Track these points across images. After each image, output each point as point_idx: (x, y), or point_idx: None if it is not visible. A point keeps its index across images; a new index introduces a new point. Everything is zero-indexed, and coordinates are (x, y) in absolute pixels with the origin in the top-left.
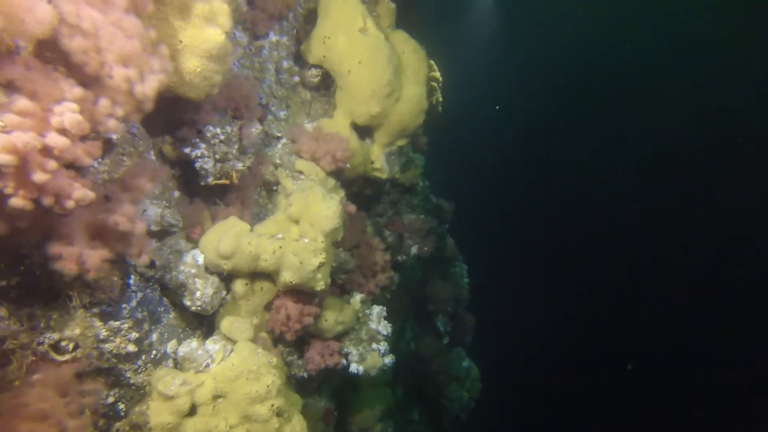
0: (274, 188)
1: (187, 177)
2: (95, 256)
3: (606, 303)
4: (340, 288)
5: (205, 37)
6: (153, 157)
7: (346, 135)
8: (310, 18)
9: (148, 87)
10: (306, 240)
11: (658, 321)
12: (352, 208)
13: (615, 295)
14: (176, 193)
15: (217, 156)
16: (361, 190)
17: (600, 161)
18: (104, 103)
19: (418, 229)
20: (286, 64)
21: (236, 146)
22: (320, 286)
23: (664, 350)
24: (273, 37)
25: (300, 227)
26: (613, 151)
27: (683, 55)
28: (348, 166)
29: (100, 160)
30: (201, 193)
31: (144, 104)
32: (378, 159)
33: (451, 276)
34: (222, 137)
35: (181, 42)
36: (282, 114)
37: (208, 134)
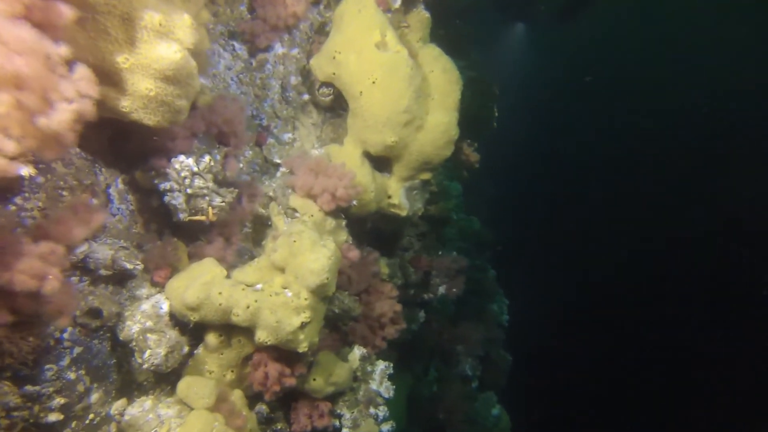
0: (269, 223)
1: (168, 208)
2: None
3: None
4: (342, 337)
5: (156, 55)
6: (120, 186)
7: (355, 166)
8: (325, 29)
9: (58, 118)
10: (289, 294)
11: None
12: (355, 254)
13: (618, 296)
14: (153, 225)
15: (189, 191)
16: (378, 225)
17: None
18: None
19: (446, 268)
20: (294, 80)
21: (220, 177)
22: (303, 347)
23: (666, 350)
24: (279, 50)
25: (284, 277)
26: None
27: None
28: (354, 203)
29: (26, 195)
30: (182, 227)
31: (60, 138)
32: (396, 194)
33: (487, 313)
34: (195, 169)
35: (127, 60)
36: (286, 137)
37: (177, 166)
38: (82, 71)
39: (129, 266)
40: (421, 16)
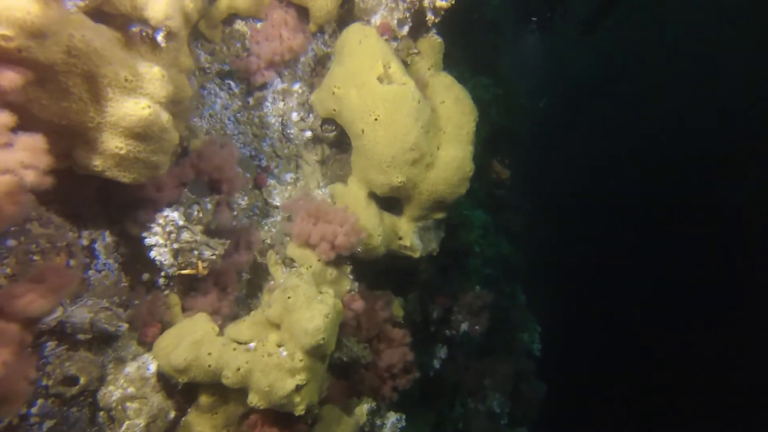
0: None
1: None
2: None
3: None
4: (352, 385)
5: (123, 112)
6: (107, 239)
7: (360, 208)
8: (330, 60)
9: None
10: (284, 354)
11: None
12: (359, 304)
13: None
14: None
15: (176, 245)
16: (394, 262)
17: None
18: None
19: (469, 305)
20: (295, 117)
21: (212, 226)
22: (299, 410)
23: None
24: (279, 86)
25: (280, 334)
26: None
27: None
28: (359, 250)
29: None
30: (176, 277)
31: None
32: (407, 236)
33: (517, 343)
34: (180, 223)
35: (93, 119)
36: (288, 177)
37: (161, 221)
38: (25, 140)
39: (110, 329)
40: (432, 41)
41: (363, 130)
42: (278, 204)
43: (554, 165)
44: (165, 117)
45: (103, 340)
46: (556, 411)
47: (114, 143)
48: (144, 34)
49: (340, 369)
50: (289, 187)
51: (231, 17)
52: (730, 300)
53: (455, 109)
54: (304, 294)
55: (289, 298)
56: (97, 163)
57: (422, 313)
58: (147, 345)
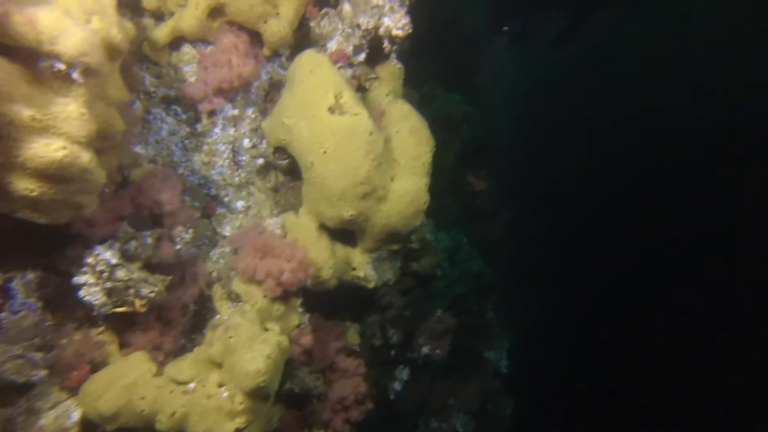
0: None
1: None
2: None
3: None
4: (304, 416)
5: (31, 153)
6: (29, 276)
7: (310, 240)
8: (282, 85)
9: None
10: (224, 395)
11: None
12: (307, 339)
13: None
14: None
15: (108, 285)
16: (351, 291)
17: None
18: None
19: (430, 329)
20: (247, 143)
21: (154, 261)
22: None
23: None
24: (230, 112)
25: (221, 374)
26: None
27: None
28: (308, 283)
29: None
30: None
31: None
32: (361, 267)
33: (484, 361)
34: (113, 261)
35: None
36: (239, 205)
37: (90, 260)
38: None
39: (18, 379)
40: (392, 67)
41: (312, 163)
42: (228, 234)
43: (533, 173)
44: (86, 157)
45: (15, 390)
46: (526, 427)
47: (23, 185)
48: (56, 69)
49: (292, 399)
50: (240, 216)
51: (178, 40)
52: (708, 321)
53: (411, 139)
54: (246, 334)
55: (230, 338)
56: (3, 204)
57: (382, 337)
58: (72, 390)
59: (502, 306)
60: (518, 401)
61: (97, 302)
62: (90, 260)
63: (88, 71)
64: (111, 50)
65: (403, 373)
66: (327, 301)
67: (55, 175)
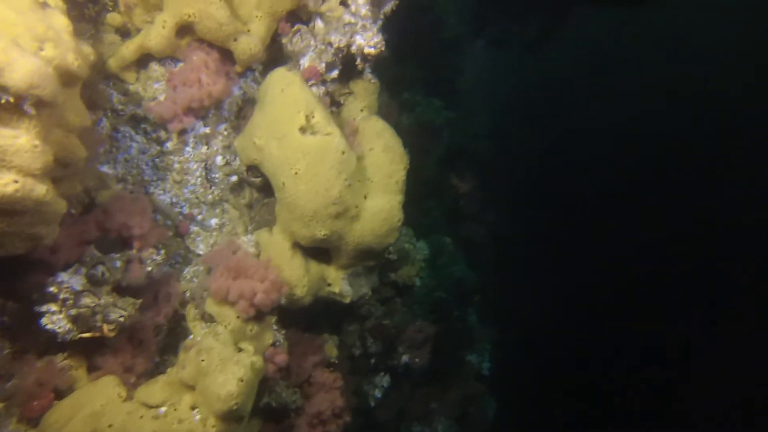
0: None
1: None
2: None
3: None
4: (280, 431)
5: None
6: None
7: (284, 259)
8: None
9: None
10: (197, 418)
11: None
12: (282, 358)
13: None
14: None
15: (73, 312)
16: (328, 305)
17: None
18: None
19: (410, 338)
20: (220, 161)
21: (123, 283)
22: None
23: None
24: (202, 130)
25: (194, 396)
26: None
27: None
28: (283, 301)
29: None
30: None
31: None
32: (336, 282)
33: (465, 365)
34: (78, 288)
35: None
36: (213, 222)
37: (52, 289)
38: None
39: None
40: (366, 82)
41: (284, 184)
42: (202, 252)
43: (516, 175)
44: (41, 190)
45: None
46: (508, 428)
47: None
48: (3, 101)
49: (270, 414)
50: (214, 233)
51: (146, 57)
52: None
53: (384, 157)
54: (219, 356)
55: (203, 360)
56: None
57: (362, 346)
58: (33, 421)
59: (485, 307)
60: (501, 402)
61: (60, 330)
62: (52, 289)
63: (40, 103)
64: (67, 77)
65: (384, 381)
66: (304, 316)
67: (6, 209)
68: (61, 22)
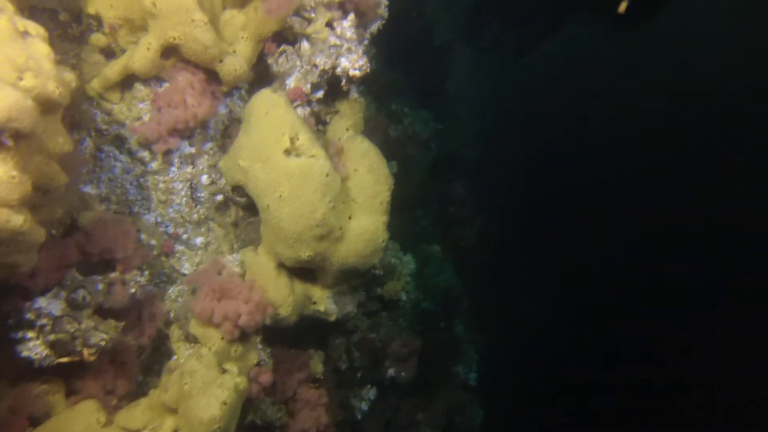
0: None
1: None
2: None
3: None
4: None
5: None
6: None
7: (269, 279)
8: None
9: None
10: None
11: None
12: (266, 377)
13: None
14: None
15: (51, 337)
16: (314, 322)
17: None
18: None
19: (395, 352)
20: (205, 180)
21: (106, 306)
22: None
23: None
24: (187, 150)
25: (177, 419)
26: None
27: None
28: (267, 322)
29: None
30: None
31: None
32: (321, 301)
33: (452, 376)
34: (56, 314)
35: None
36: (198, 241)
37: (29, 315)
38: None
39: None
40: (352, 102)
41: (269, 206)
42: (187, 271)
43: (506, 180)
44: (18, 220)
45: None
46: None
47: None
48: None
49: (255, 431)
50: (199, 252)
51: (130, 78)
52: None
53: (369, 177)
54: (202, 379)
55: (185, 384)
56: None
57: (348, 360)
58: None
59: (473, 314)
60: (489, 410)
61: (37, 357)
62: (29, 315)
63: (18, 135)
64: (48, 105)
65: (370, 394)
66: (290, 333)
67: None
68: (42, 50)
